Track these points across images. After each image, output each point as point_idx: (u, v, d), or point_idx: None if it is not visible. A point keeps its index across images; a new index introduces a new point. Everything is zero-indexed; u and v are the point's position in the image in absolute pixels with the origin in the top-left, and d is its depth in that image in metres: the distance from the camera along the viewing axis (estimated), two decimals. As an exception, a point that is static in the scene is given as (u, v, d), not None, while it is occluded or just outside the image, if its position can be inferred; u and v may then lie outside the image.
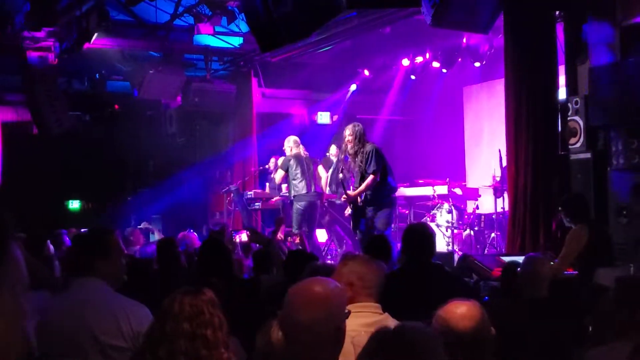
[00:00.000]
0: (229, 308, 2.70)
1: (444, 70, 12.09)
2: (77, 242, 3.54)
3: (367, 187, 8.35)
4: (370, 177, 8.32)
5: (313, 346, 2.21)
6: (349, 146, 8.50)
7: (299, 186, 10.17)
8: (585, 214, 6.41)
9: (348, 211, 8.74)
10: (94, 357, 3.14)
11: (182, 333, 2.46)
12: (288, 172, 10.25)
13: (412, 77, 12.66)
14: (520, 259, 5.17)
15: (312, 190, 10.29)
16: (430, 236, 4.80)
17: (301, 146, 10.45)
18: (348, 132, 8.53)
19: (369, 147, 8.43)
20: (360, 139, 8.45)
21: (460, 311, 2.75)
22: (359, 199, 8.47)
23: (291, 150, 10.36)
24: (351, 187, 8.62)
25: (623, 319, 3.00)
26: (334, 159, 10.97)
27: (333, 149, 11.12)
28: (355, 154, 8.44)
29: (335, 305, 2.26)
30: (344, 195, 8.64)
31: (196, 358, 2.44)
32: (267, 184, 12.07)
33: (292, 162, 10.24)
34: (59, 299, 3.48)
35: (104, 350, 3.15)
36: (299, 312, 2.24)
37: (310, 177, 10.35)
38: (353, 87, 13.26)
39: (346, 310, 2.38)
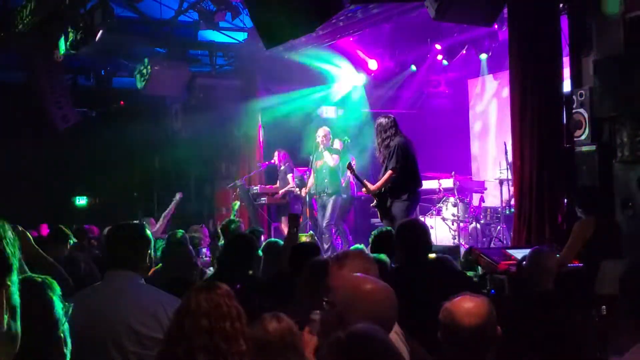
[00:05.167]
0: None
1: (445, 62, 12.09)
2: (114, 235, 3.54)
3: (384, 183, 8.10)
4: (388, 172, 8.06)
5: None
6: (376, 140, 8.30)
7: (344, 181, 10.11)
8: (595, 206, 6.41)
9: (374, 203, 8.51)
10: (131, 348, 3.15)
11: (201, 329, 2.44)
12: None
13: (413, 67, 12.65)
14: (526, 251, 5.16)
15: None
16: (424, 232, 4.75)
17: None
18: (374, 126, 8.37)
19: (394, 142, 8.11)
20: (382, 132, 8.19)
21: (467, 306, 2.69)
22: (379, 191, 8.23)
23: (333, 143, 10.21)
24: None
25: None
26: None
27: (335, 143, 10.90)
28: (380, 147, 8.24)
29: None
30: (364, 188, 8.39)
31: (215, 352, 2.43)
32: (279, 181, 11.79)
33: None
34: (93, 290, 3.50)
35: (141, 341, 3.15)
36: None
37: None
38: (359, 80, 13.24)
39: None
